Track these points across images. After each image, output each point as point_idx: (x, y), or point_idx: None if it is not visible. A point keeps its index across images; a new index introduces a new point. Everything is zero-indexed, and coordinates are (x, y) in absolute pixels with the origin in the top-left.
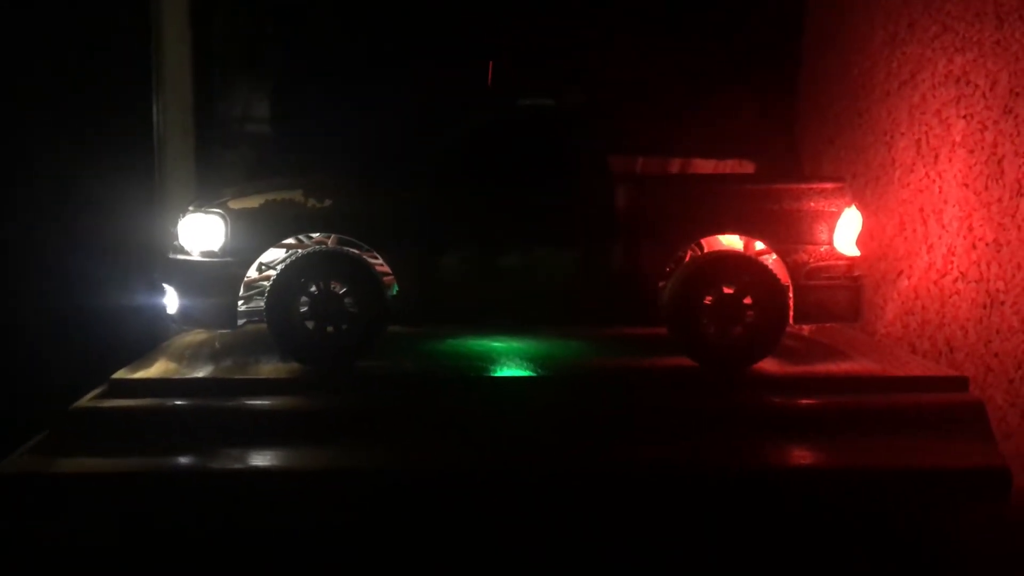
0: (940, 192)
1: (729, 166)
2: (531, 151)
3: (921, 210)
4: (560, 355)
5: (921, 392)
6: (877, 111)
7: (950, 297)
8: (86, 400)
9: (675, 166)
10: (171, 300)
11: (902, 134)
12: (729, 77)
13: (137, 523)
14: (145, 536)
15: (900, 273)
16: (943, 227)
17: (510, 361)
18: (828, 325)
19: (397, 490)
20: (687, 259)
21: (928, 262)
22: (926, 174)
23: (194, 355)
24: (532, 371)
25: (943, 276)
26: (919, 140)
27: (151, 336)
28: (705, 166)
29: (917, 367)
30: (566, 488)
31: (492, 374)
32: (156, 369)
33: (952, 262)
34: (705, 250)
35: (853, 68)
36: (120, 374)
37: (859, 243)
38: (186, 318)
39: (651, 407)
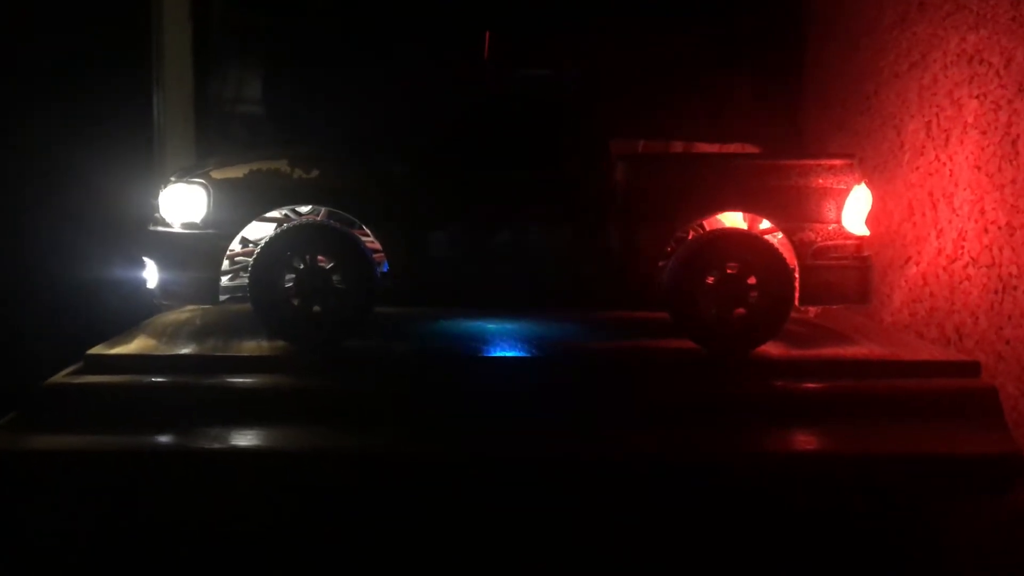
0: (951, 175)
1: (732, 150)
2: (528, 127)
3: (931, 194)
4: (556, 337)
5: (931, 377)
6: (886, 93)
7: (960, 283)
8: (60, 376)
9: (676, 149)
10: (151, 274)
11: (912, 116)
12: (733, 59)
13: (112, 503)
14: (121, 517)
15: (908, 259)
16: (954, 211)
17: (504, 342)
18: (834, 310)
19: (383, 474)
20: (689, 238)
21: (937, 247)
22: (936, 157)
23: (175, 332)
24: (526, 352)
25: (953, 262)
26: (929, 122)
27: (133, 312)
28: (707, 150)
29: (927, 352)
30: (559, 474)
31: (485, 355)
32: (134, 345)
33: (963, 247)
34: (707, 229)
35: (861, 50)
36: (96, 350)
37: (867, 223)
38: (166, 293)
39: (650, 391)
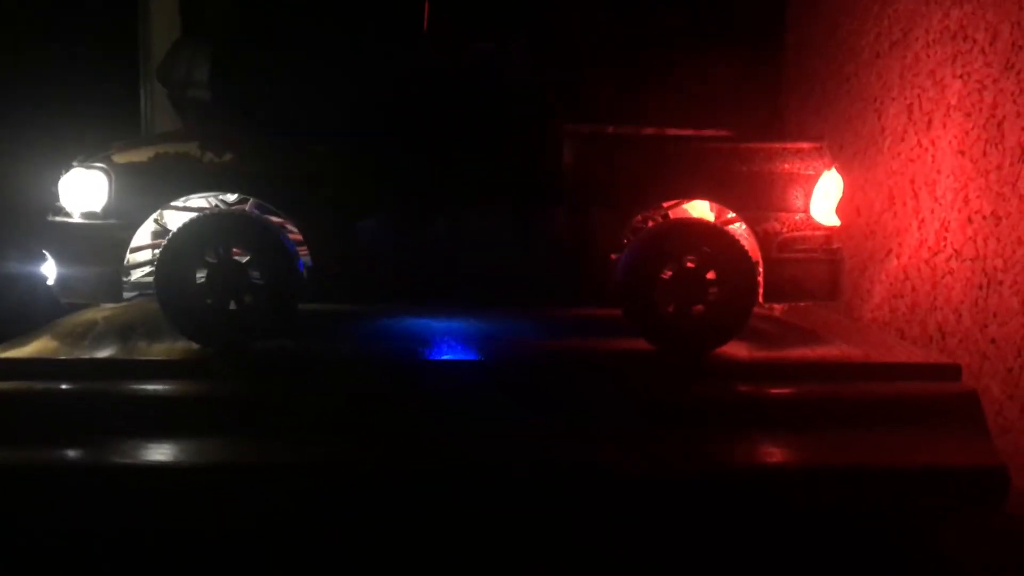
0: (933, 161)
1: (706, 134)
2: (468, 105)
3: (912, 182)
4: (495, 336)
5: (908, 381)
6: (866, 75)
7: (943, 277)
8: None
9: (643, 132)
10: (51, 269)
11: (893, 99)
12: (709, 39)
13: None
14: (12, 538)
15: (889, 252)
16: (936, 200)
17: (443, 343)
18: (807, 306)
19: (304, 490)
20: (645, 228)
21: (919, 239)
22: (918, 142)
23: (80, 333)
24: (466, 355)
25: (935, 254)
26: (911, 105)
27: (35, 312)
28: (685, 133)
29: (904, 353)
30: (502, 485)
31: (417, 358)
32: (31, 348)
33: (945, 238)
34: (670, 218)
35: (841, 29)
36: None
37: (842, 215)
38: (65, 289)
39: (600, 396)
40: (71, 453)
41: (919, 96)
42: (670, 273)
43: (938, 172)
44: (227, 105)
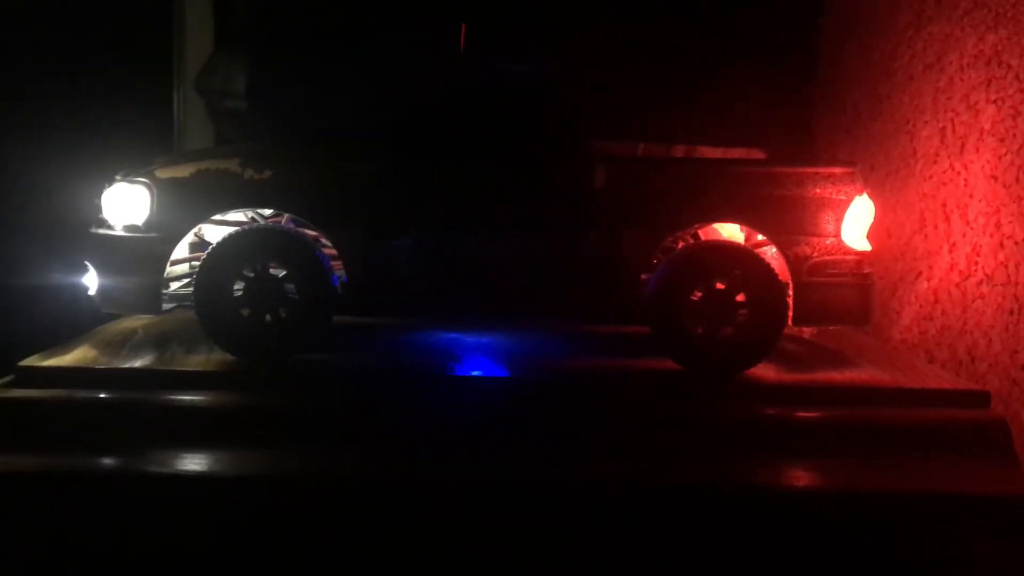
0: (965, 185)
1: (737, 155)
2: (501, 124)
3: (944, 205)
4: (528, 353)
5: (936, 407)
6: (899, 97)
7: (973, 302)
8: None
9: (675, 152)
10: (92, 280)
11: (926, 122)
12: (743, 59)
13: (42, 528)
14: (51, 543)
15: (919, 275)
16: (968, 224)
17: (475, 359)
18: (835, 329)
19: (338, 500)
20: (677, 250)
21: (950, 262)
22: (950, 165)
23: (119, 343)
24: (496, 371)
25: (966, 278)
26: (944, 128)
27: (76, 322)
28: (710, 154)
29: (932, 379)
30: (530, 500)
31: (450, 373)
32: (71, 357)
33: (976, 263)
34: (701, 240)
35: (874, 51)
36: (28, 361)
37: (872, 237)
38: (107, 300)
39: (627, 415)
40: (108, 461)
41: (952, 120)
42: (700, 295)
43: (970, 196)
44: (262, 118)
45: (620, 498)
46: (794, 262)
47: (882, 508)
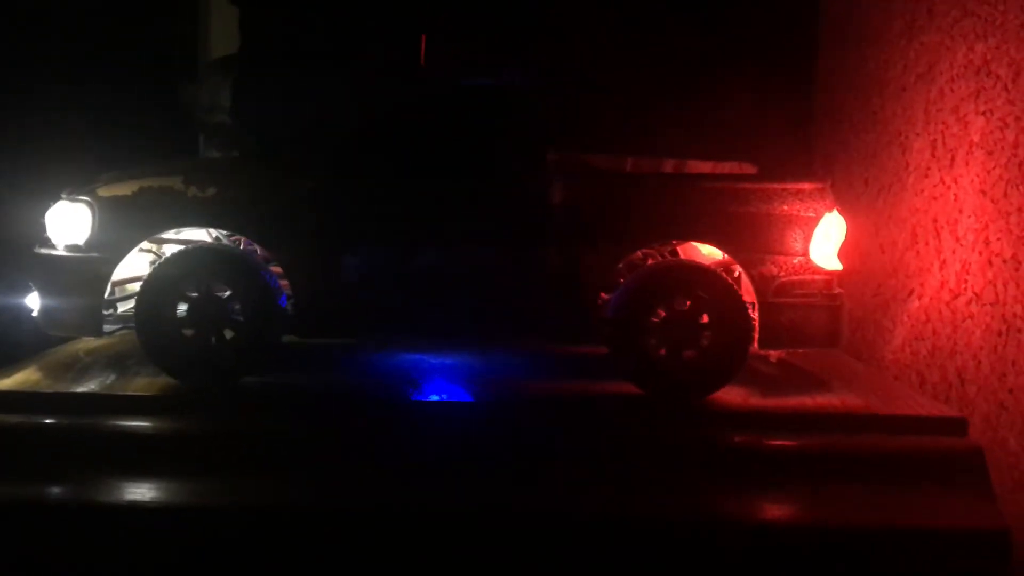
0: (955, 200)
1: (727, 168)
2: (453, 138)
3: (935, 221)
4: (482, 375)
5: (909, 434)
6: (892, 109)
7: (963, 321)
8: None
9: (659, 166)
10: (34, 301)
11: (917, 134)
12: (731, 70)
13: None
14: None
15: (911, 292)
16: (957, 240)
17: (429, 382)
18: (817, 351)
19: (284, 533)
20: (637, 269)
21: (940, 280)
22: (941, 179)
23: (65, 366)
24: (448, 395)
25: (955, 297)
26: (935, 141)
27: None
28: (698, 168)
29: (908, 404)
30: (477, 532)
31: (399, 397)
32: (11, 381)
33: (966, 281)
34: (664, 259)
35: (869, 61)
36: None
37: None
38: (49, 321)
39: (580, 440)
40: (49, 488)
41: (943, 132)
42: (659, 316)
43: (960, 211)
44: (240, 132)
45: (576, 530)
46: (759, 282)
47: (849, 542)
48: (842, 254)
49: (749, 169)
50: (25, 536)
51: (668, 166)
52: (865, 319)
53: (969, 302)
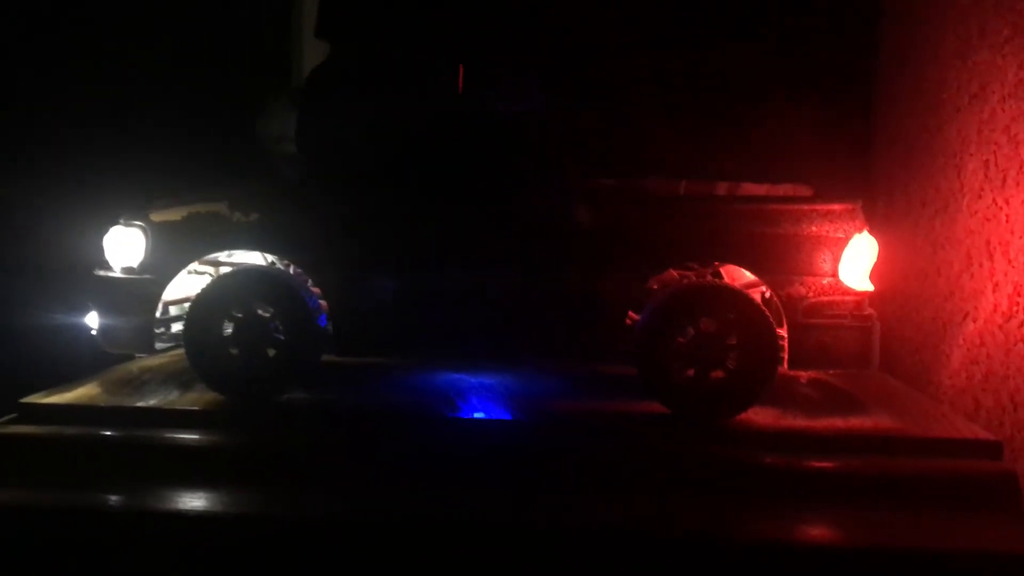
0: (1007, 221)
1: (782, 191)
2: (484, 161)
3: (988, 243)
4: (513, 394)
5: (944, 457)
6: (948, 129)
7: (1015, 345)
8: None
9: (714, 189)
10: (95, 320)
11: (971, 155)
12: (793, 91)
13: (39, 560)
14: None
15: (965, 315)
16: (1009, 263)
17: (463, 399)
18: (860, 372)
19: (320, 543)
20: (665, 290)
21: (994, 303)
22: (994, 200)
23: (121, 382)
24: (482, 412)
25: (1008, 320)
26: (987, 161)
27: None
28: (753, 191)
29: (943, 426)
30: (510, 545)
31: (435, 413)
32: (72, 395)
33: (1018, 303)
34: (723, 278)
35: (924, 82)
36: (31, 399)
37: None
38: (107, 339)
39: (609, 458)
40: (102, 496)
41: (995, 152)
42: (686, 337)
43: (1011, 233)
44: (303, 160)
45: (604, 549)
46: (788, 303)
47: (880, 563)
48: (888, 276)
49: (804, 191)
50: (81, 540)
51: (707, 188)
52: (924, 343)
53: (1021, 325)
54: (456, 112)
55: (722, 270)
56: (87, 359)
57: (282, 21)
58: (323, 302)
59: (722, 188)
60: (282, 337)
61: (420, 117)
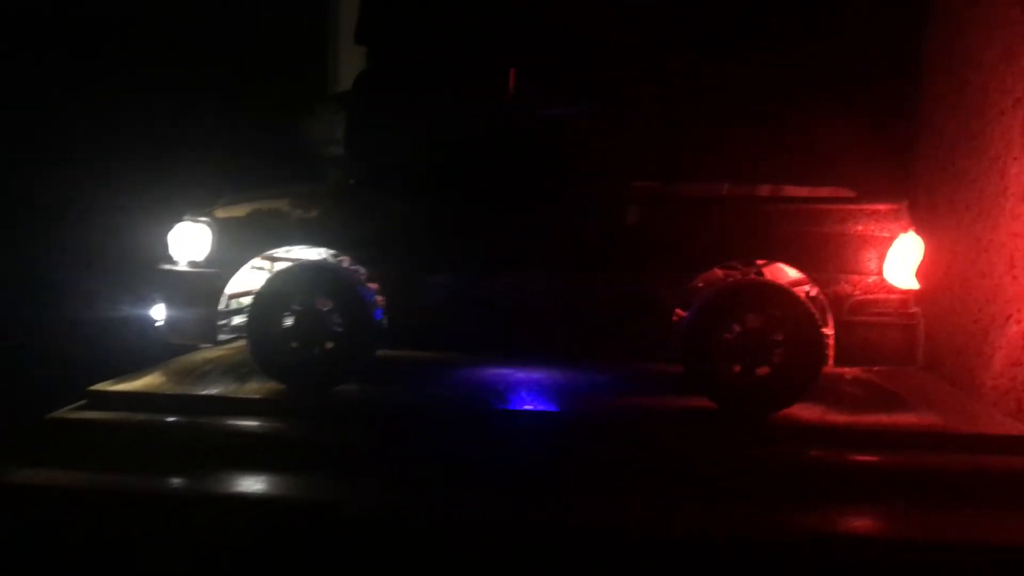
0: None
1: (825, 193)
2: (536, 164)
3: None
4: (562, 389)
5: (987, 453)
6: (991, 133)
7: None
8: (63, 411)
9: (760, 191)
10: (160, 312)
11: (1015, 158)
12: (832, 95)
13: (105, 538)
14: (113, 554)
15: (1008, 317)
16: None
17: (511, 394)
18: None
19: (371, 534)
20: (712, 287)
21: None
22: None
23: (184, 372)
24: (528, 406)
25: None
26: None
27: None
28: (796, 193)
29: (987, 423)
30: (552, 544)
31: (486, 408)
32: (138, 383)
33: None
34: (736, 277)
35: (968, 86)
36: (98, 386)
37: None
38: (172, 330)
39: (654, 453)
40: (165, 479)
41: None
42: (733, 333)
43: None
44: (351, 163)
45: (651, 544)
46: (834, 301)
47: (925, 558)
48: (931, 277)
49: (847, 194)
50: (144, 520)
51: (749, 190)
52: (966, 345)
53: None
54: (506, 116)
55: (765, 270)
56: (152, 350)
57: (318, 28)
58: (379, 297)
59: (766, 190)
60: (340, 330)
61: (471, 121)
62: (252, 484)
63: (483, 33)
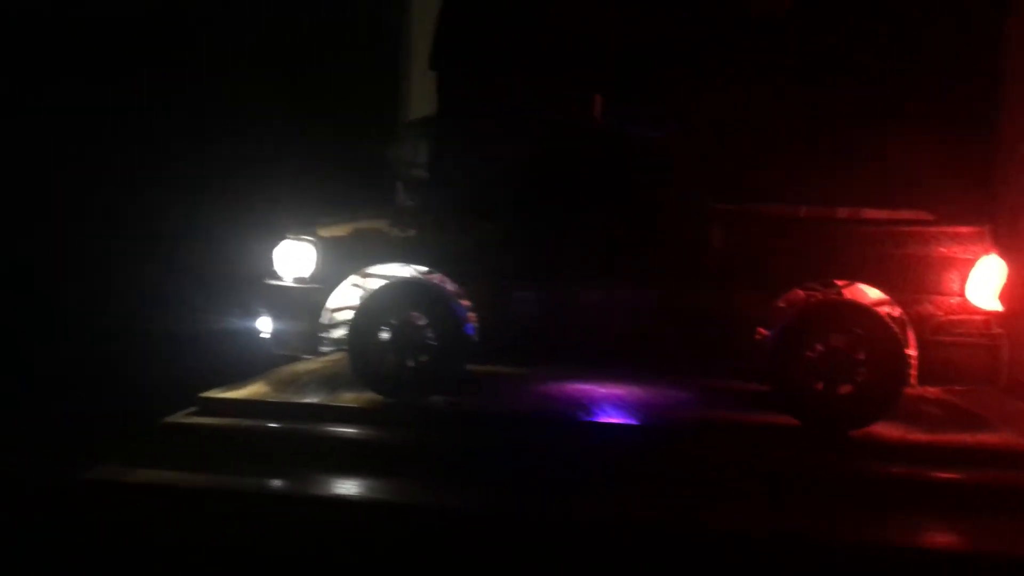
0: None
1: (902, 216)
2: (622, 185)
3: None
4: (647, 403)
5: None
6: None
7: None
8: (176, 416)
9: (842, 213)
10: (265, 325)
11: None
12: (915, 118)
13: (212, 537)
14: (221, 551)
15: None
16: None
17: (596, 406)
18: (983, 391)
19: (464, 532)
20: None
21: None
22: None
23: (287, 381)
24: (614, 417)
25: None
26: None
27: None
28: (877, 216)
29: None
30: (644, 547)
31: (573, 418)
32: (244, 392)
33: None
34: (820, 297)
35: None
36: (208, 394)
37: (1009, 298)
38: (277, 343)
39: (741, 466)
40: (270, 481)
41: None
42: (817, 352)
43: None
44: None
45: (738, 548)
46: (917, 321)
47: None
48: (1009, 297)
49: (925, 216)
50: (249, 518)
51: (830, 212)
52: None
53: None
54: (594, 138)
55: (844, 290)
56: (257, 360)
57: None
58: (471, 313)
59: (846, 212)
60: (434, 344)
61: (561, 143)
62: (352, 486)
63: (560, 58)
